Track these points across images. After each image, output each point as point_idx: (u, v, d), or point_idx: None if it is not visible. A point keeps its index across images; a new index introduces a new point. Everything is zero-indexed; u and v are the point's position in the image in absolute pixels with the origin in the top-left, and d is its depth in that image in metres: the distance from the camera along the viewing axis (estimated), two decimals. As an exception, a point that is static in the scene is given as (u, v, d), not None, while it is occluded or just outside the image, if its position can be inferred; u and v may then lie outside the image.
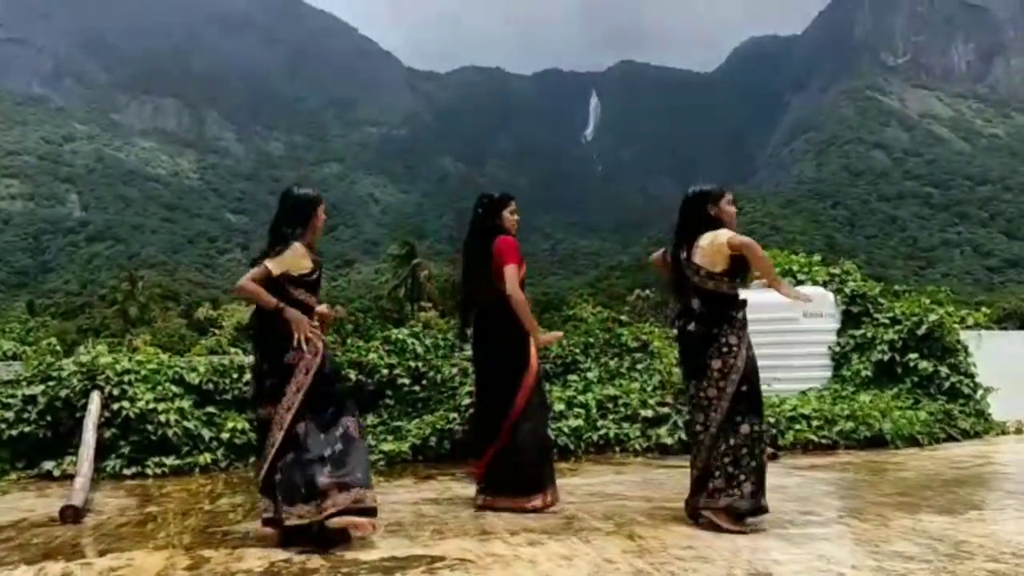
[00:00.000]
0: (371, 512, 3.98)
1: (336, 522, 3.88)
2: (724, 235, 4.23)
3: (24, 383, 6.66)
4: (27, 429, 6.39)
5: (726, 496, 4.16)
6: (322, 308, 4.26)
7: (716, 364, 4.23)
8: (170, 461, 6.42)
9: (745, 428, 4.20)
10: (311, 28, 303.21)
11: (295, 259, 4.13)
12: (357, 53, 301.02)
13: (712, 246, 4.24)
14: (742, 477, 4.16)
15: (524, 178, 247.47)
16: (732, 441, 4.18)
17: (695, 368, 4.31)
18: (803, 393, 8.34)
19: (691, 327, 4.31)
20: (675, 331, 4.55)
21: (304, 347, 4.06)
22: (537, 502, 4.70)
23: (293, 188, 4.42)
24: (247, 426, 6.80)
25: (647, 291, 57.80)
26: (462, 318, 5.09)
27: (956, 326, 8.87)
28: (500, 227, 4.89)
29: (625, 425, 7.40)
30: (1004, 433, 8.36)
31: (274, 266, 4.10)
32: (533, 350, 4.77)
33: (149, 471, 6.32)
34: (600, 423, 7.41)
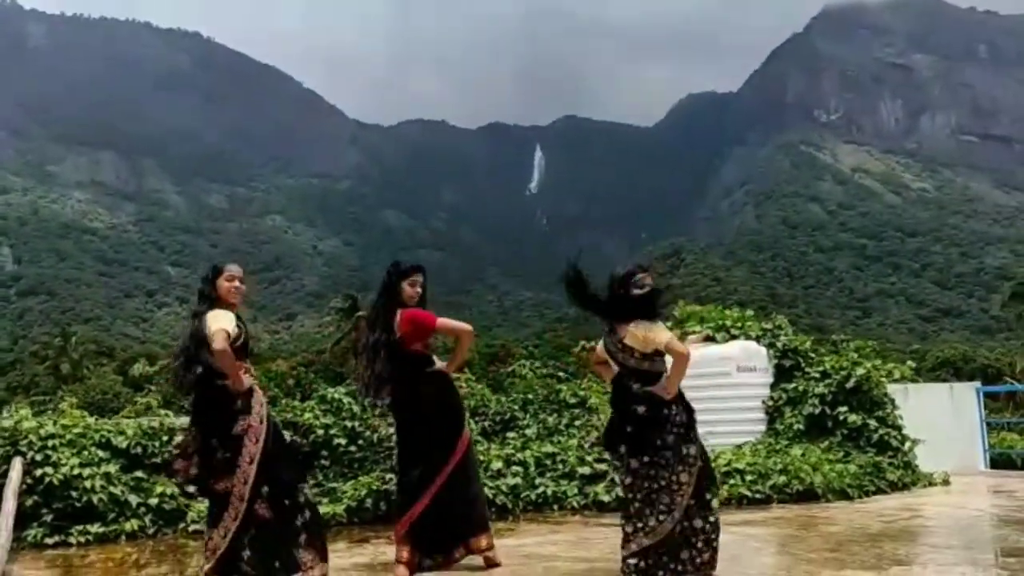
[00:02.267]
0: None
1: None
2: (662, 337, 4.31)
3: (-58, 450, 6.40)
4: (-57, 497, 6.12)
5: (709, 568, 4.30)
6: (250, 380, 4.23)
7: (690, 450, 4.32)
8: (95, 528, 6.22)
9: (715, 503, 4.40)
10: (255, 81, 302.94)
11: (228, 319, 4.12)
12: (302, 106, 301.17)
13: (646, 338, 4.32)
14: (714, 547, 4.32)
15: (469, 231, 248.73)
16: (711, 518, 4.33)
17: (644, 445, 4.30)
18: (738, 447, 8.44)
19: (640, 409, 4.32)
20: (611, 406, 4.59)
21: (251, 414, 4.05)
22: (487, 540, 4.76)
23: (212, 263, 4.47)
24: (176, 491, 6.64)
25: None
26: (374, 390, 4.98)
27: (883, 379, 9.10)
28: (399, 299, 4.87)
29: (563, 482, 7.41)
30: (931, 484, 8.55)
31: (230, 329, 4.08)
32: (465, 423, 4.94)
33: (72, 540, 6.11)
34: (538, 481, 7.41)
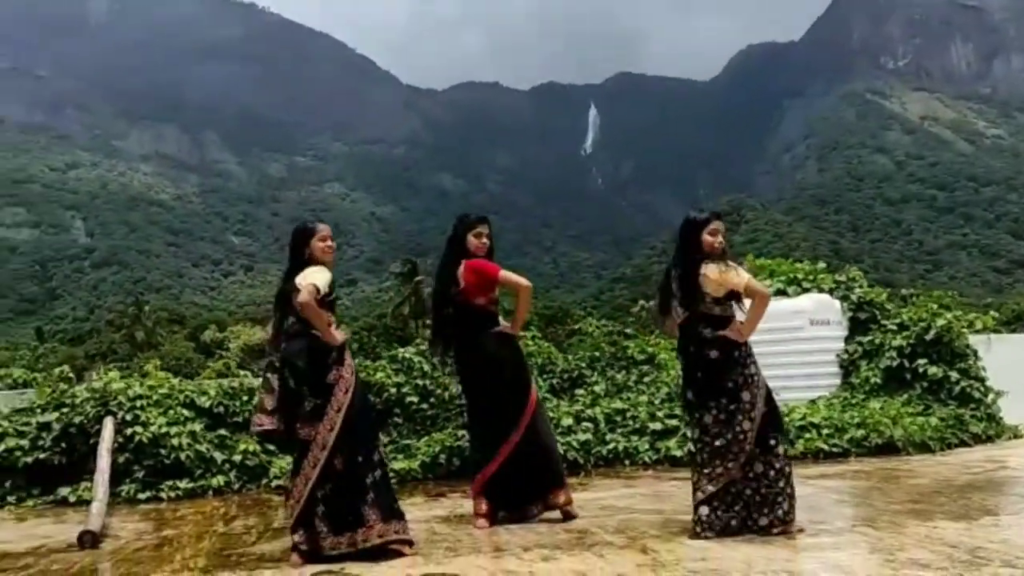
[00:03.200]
0: (410, 543, 4.17)
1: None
2: (741, 278, 4.31)
3: (38, 410, 6.70)
4: (42, 456, 6.42)
5: (788, 517, 4.29)
6: (342, 335, 4.31)
7: (745, 396, 4.29)
8: (183, 484, 6.45)
9: (779, 449, 4.35)
10: (309, 51, 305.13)
11: (324, 276, 4.19)
12: (356, 73, 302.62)
13: (722, 279, 4.30)
14: (788, 494, 4.30)
15: (523, 193, 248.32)
16: (776, 464, 4.31)
17: (715, 391, 4.32)
18: (812, 402, 8.32)
19: (712, 354, 4.32)
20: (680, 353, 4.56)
21: (343, 364, 4.14)
22: (564, 495, 4.82)
23: (299, 223, 4.53)
24: (258, 448, 6.84)
25: (651, 302, 57.77)
26: (439, 346, 5.10)
27: (964, 330, 8.82)
28: (466, 251, 4.87)
29: (634, 438, 7.40)
30: (1016, 437, 8.31)
31: (322, 284, 4.15)
32: (532, 380, 5.01)
33: (163, 495, 6.35)
34: (609, 437, 7.41)
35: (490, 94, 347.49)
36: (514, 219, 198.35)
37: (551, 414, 7.48)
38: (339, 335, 4.25)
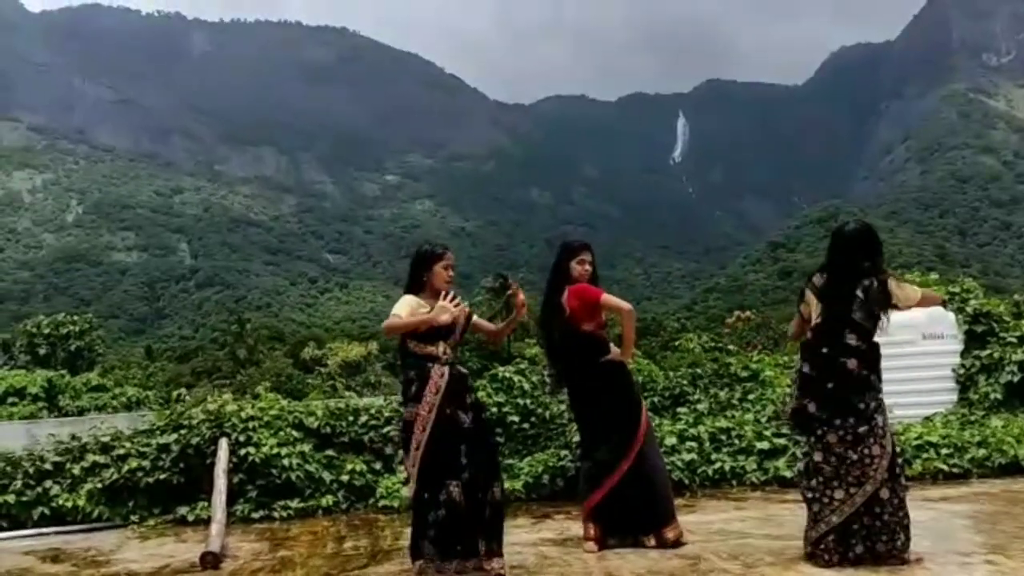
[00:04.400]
0: None
1: None
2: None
3: (158, 432, 6.98)
4: (162, 476, 6.69)
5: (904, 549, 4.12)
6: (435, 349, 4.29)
7: (879, 420, 4.15)
8: (294, 504, 6.62)
9: (903, 480, 4.19)
10: (399, 71, 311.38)
11: (399, 308, 4.23)
12: (444, 91, 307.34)
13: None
14: (906, 525, 4.14)
15: (612, 204, 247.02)
16: (900, 493, 4.14)
17: (844, 408, 4.13)
18: (927, 419, 8.00)
19: (851, 364, 4.15)
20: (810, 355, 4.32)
21: (419, 402, 4.19)
22: (673, 533, 4.72)
23: (424, 245, 4.53)
24: (364, 468, 6.99)
25: (747, 312, 56.51)
26: (552, 370, 5.28)
27: (1093, 342, 8.37)
28: (569, 277, 4.88)
29: (740, 458, 7.24)
30: None
31: (404, 315, 4.23)
32: (643, 405, 4.94)
33: (276, 514, 6.53)
34: (714, 456, 7.27)
35: (577, 106, 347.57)
36: (603, 231, 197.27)
37: (654, 433, 7.41)
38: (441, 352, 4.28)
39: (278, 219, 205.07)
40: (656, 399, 8.33)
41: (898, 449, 4.30)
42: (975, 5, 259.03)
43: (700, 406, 8.12)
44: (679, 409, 8.12)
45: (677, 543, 4.71)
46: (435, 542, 4.09)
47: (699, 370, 8.82)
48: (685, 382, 8.54)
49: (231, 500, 6.46)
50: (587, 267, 4.87)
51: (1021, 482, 6.68)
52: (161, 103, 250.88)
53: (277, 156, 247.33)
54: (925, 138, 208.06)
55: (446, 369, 4.22)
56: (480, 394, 7.69)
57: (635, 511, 4.71)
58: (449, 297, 4.24)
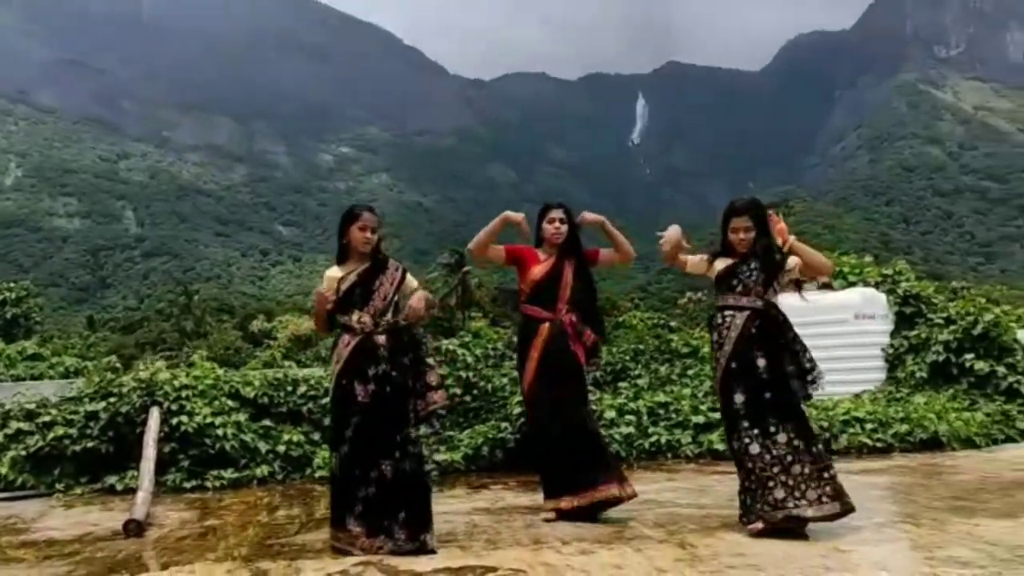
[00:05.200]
0: None
1: None
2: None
3: (86, 400, 6.84)
4: (90, 444, 6.56)
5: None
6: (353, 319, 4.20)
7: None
8: (228, 474, 6.56)
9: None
10: (359, 41, 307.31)
11: (330, 282, 4.23)
12: (404, 63, 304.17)
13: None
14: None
15: (573, 183, 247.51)
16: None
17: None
18: (856, 396, 8.24)
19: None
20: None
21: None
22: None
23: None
24: (302, 438, 6.96)
25: (699, 294, 57.15)
26: None
27: (1013, 325, 8.68)
28: (539, 238, 4.91)
29: (676, 431, 7.39)
30: (1066, 433, 8.14)
31: (322, 290, 4.25)
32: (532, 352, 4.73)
33: (208, 484, 6.47)
34: (651, 430, 7.40)
35: (539, 84, 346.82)
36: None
37: (594, 407, 7.51)
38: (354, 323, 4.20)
39: (229, 189, 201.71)
40: (599, 373, 8.43)
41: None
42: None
43: (641, 381, 8.25)
44: (620, 384, 8.25)
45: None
46: (361, 517, 4.05)
47: (641, 346, 8.93)
48: (627, 358, 8.65)
49: (163, 470, 6.39)
50: (556, 225, 4.79)
51: (939, 456, 6.92)
52: (109, 65, 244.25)
53: (230, 124, 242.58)
54: (876, 127, 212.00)
55: (355, 339, 4.12)
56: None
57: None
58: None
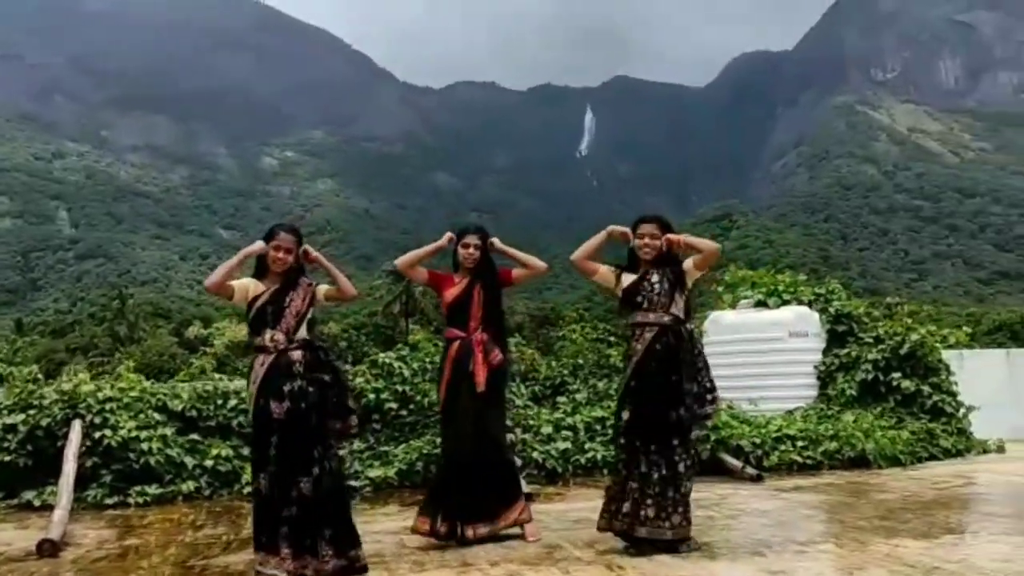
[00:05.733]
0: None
1: None
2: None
3: (4, 412, 6.59)
4: (7, 458, 6.33)
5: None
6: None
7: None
8: (152, 490, 6.38)
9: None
10: (306, 45, 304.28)
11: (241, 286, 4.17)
12: (352, 69, 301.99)
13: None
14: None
15: (520, 193, 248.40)
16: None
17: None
18: (789, 412, 8.38)
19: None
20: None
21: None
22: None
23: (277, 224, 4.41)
24: (231, 453, 6.80)
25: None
26: None
27: (938, 345, 8.93)
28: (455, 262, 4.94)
29: (613, 447, 7.40)
30: (985, 452, 8.40)
31: (215, 278, 4.14)
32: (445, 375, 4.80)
33: (131, 500, 6.27)
34: (588, 446, 7.41)
35: (488, 94, 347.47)
36: (509, 219, 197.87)
37: (531, 422, 7.50)
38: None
39: (169, 190, 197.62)
40: (538, 388, 8.44)
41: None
42: (866, 22, 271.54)
43: (579, 396, 8.26)
44: (559, 399, 8.25)
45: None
46: (287, 538, 3.95)
47: (580, 360, 8.95)
48: (566, 372, 8.66)
49: (84, 485, 6.19)
50: (470, 250, 4.83)
51: (866, 475, 7.07)
52: (45, 60, 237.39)
53: (171, 124, 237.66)
54: (815, 145, 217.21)
55: (269, 359, 4.05)
56: (359, 380, 7.62)
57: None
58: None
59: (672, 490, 4.20)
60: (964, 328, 10.89)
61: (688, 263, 4.41)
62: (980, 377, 9.20)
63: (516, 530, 4.69)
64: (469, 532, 4.56)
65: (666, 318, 4.33)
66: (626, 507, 4.24)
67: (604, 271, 4.56)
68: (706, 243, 4.44)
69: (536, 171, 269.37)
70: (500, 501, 4.65)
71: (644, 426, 4.25)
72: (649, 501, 4.19)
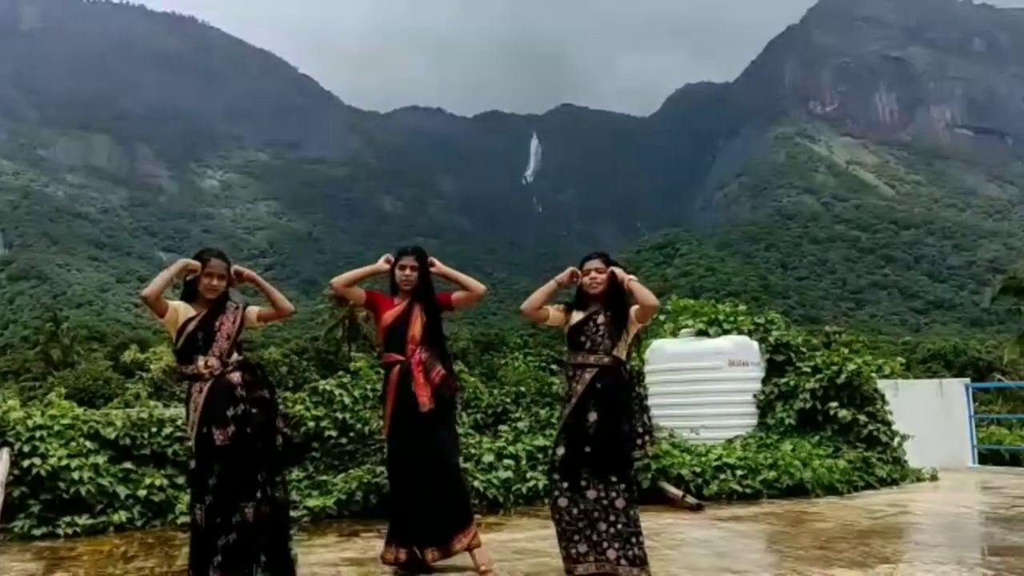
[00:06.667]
0: None
1: None
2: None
3: (-73, 440, 6.34)
4: (-71, 489, 6.08)
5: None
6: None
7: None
8: (83, 520, 6.19)
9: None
10: (250, 67, 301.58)
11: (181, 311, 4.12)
12: (297, 91, 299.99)
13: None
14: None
15: (465, 219, 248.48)
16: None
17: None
18: (729, 441, 8.47)
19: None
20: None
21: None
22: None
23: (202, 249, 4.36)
24: (165, 482, 6.63)
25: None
26: None
27: (874, 375, 9.14)
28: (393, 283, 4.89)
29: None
30: (919, 480, 8.60)
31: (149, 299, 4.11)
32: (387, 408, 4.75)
33: (60, 531, 6.08)
34: (529, 475, 7.39)
35: (434, 119, 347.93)
36: (454, 244, 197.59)
37: (473, 450, 7.45)
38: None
39: (107, 212, 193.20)
40: (479, 416, 8.39)
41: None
42: (805, 55, 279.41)
43: (520, 424, 8.23)
44: (500, 427, 8.21)
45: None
46: (221, 567, 3.87)
47: (523, 388, 8.94)
48: (508, 400, 8.64)
49: (10, 516, 5.97)
50: (407, 272, 4.77)
51: (803, 504, 7.18)
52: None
53: (110, 145, 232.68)
54: (757, 175, 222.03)
55: (207, 385, 4.00)
56: (298, 407, 7.51)
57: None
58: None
59: (634, 532, 4.19)
60: (899, 358, 11.18)
61: (632, 311, 4.39)
62: (914, 406, 9.44)
63: (465, 557, 4.62)
64: (429, 555, 4.51)
65: (606, 359, 4.32)
66: (582, 548, 4.21)
67: (553, 313, 4.54)
68: (647, 295, 4.35)
69: (482, 197, 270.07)
70: (453, 524, 4.56)
71: (589, 464, 4.22)
72: (607, 542, 4.16)
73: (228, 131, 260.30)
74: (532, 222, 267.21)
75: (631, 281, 4.39)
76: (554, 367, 10.18)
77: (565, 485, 4.25)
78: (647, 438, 4.38)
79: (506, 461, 7.45)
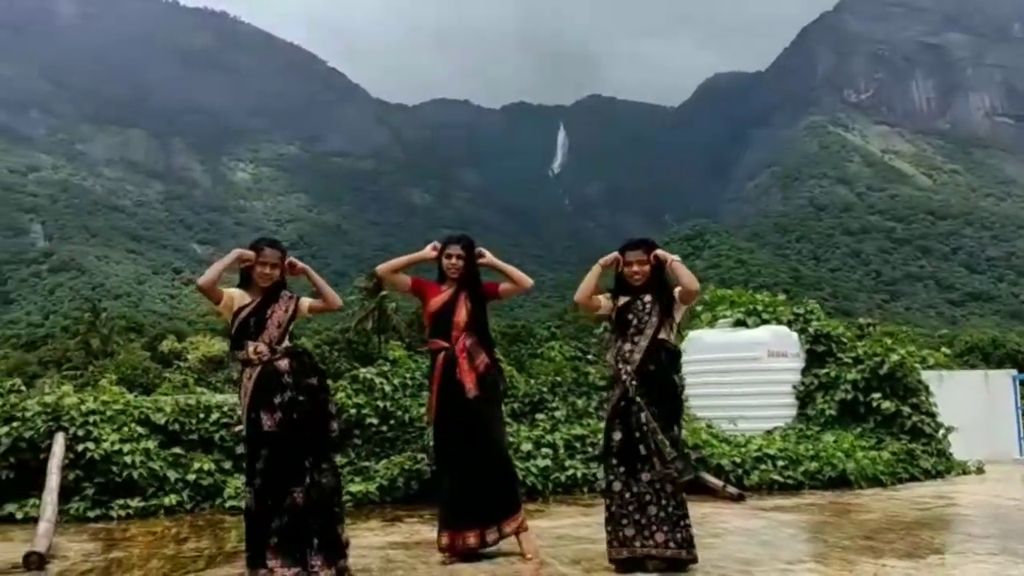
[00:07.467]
0: None
1: None
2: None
3: (-13, 424, 6.52)
4: (-10, 471, 6.25)
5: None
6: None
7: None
8: (135, 503, 6.34)
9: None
10: (280, 61, 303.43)
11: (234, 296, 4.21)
12: (326, 85, 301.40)
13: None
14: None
15: (491, 211, 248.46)
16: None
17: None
18: (768, 432, 8.43)
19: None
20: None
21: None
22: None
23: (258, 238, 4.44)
24: (213, 467, 6.76)
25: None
26: None
27: (917, 366, 9.03)
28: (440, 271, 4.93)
29: (592, 465, 7.43)
30: (965, 473, 8.49)
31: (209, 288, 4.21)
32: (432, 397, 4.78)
33: (114, 513, 6.24)
34: (568, 463, 7.43)
35: (461, 111, 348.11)
36: (481, 236, 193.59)
37: (511, 439, 7.50)
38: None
39: (143, 205, 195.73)
40: (516, 405, 8.43)
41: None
42: (839, 43, 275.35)
43: (558, 413, 8.27)
44: (538, 416, 8.25)
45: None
46: (277, 549, 3.95)
47: (559, 378, 8.97)
48: (545, 389, 8.67)
49: (67, 498, 6.12)
50: (453, 260, 4.82)
51: (848, 495, 7.13)
52: (18, 73, 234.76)
53: (146, 139, 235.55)
54: (788, 166, 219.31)
55: (256, 371, 4.07)
56: (339, 395, 7.60)
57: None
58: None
59: (682, 515, 4.21)
60: (944, 348, 11.02)
61: (676, 292, 4.39)
62: (959, 398, 9.32)
63: (510, 543, 4.64)
64: (489, 537, 4.55)
65: (654, 338, 4.33)
66: (630, 531, 4.22)
67: (604, 303, 4.56)
68: (691, 278, 4.36)
69: (508, 189, 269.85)
70: (503, 508, 4.60)
71: (643, 447, 4.23)
72: (656, 525, 4.18)
73: (258, 125, 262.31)
74: (559, 214, 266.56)
75: (674, 261, 4.39)
76: (589, 357, 10.17)
77: (622, 469, 4.26)
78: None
79: (544, 450, 7.50)
